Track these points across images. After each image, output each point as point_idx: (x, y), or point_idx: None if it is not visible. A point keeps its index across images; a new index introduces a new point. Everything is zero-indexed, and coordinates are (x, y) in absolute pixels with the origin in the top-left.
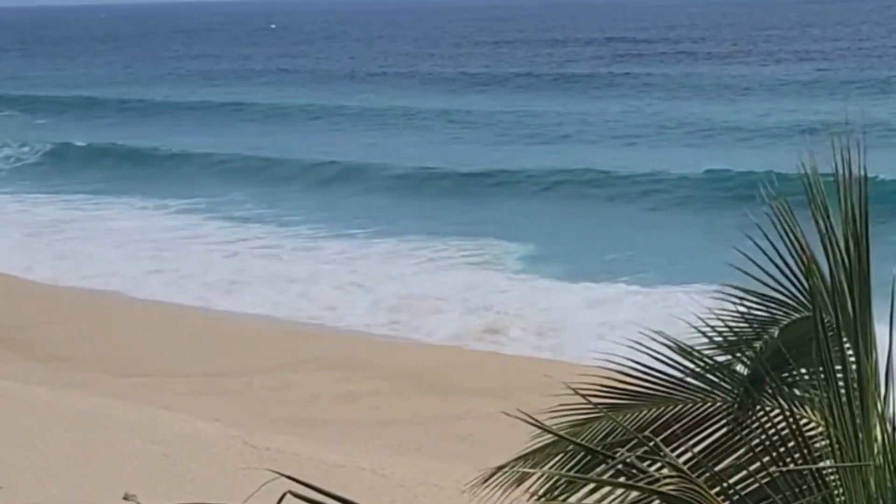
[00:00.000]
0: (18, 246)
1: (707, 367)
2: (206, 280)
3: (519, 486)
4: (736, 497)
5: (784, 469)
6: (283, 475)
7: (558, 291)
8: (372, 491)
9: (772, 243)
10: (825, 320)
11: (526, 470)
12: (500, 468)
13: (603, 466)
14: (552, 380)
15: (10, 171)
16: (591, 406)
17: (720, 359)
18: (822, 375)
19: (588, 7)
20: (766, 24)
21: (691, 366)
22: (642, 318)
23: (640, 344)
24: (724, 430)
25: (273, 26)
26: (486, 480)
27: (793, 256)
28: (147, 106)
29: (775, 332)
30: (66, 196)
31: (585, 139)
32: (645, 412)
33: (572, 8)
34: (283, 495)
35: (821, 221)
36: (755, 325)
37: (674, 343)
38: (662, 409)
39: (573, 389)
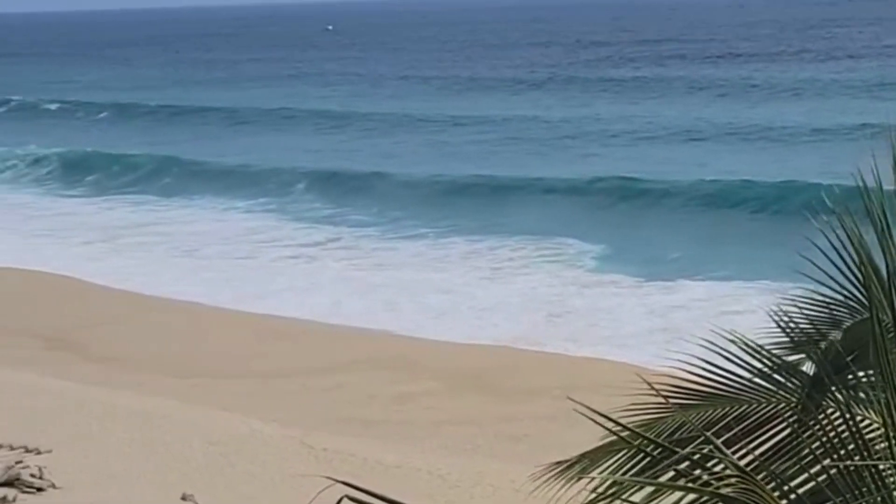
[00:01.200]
0: (91, 248)
1: (774, 367)
2: (275, 285)
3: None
4: (794, 498)
5: (843, 468)
6: (338, 481)
7: (624, 291)
8: (427, 492)
9: (834, 247)
10: (883, 321)
11: (584, 475)
12: (560, 463)
13: (664, 465)
14: (613, 380)
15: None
16: (653, 407)
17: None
18: (880, 376)
19: (637, 7)
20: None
21: (759, 365)
22: (708, 318)
23: (709, 342)
24: (786, 431)
25: (330, 28)
26: (545, 477)
27: (853, 259)
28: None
29: (838, 334)
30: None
31: (647, 139)
32: (710, 412)
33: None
34: (340, 500)
35: (878, 224)
36: (819, 327)
37: (741, 342)
38: (726, 409)
39: (649, 384)
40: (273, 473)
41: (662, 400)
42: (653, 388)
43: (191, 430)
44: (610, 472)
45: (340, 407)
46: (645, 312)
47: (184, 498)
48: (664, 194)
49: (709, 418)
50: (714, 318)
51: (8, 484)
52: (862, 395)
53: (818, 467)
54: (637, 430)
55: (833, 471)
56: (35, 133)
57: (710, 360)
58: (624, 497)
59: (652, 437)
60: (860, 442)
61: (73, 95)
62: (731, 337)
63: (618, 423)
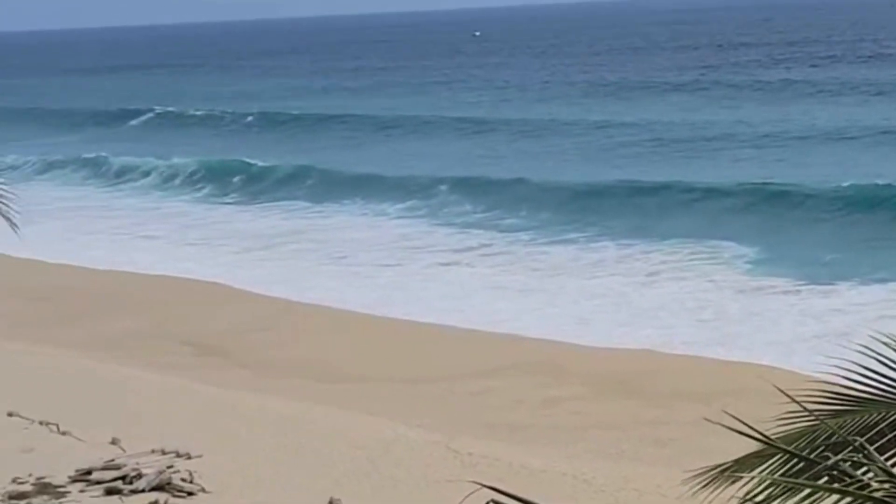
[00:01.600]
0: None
1: None
2: (424, 290)
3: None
4: None
5: None
6: (484, 486)
7: (780, 295)
8: (572, 496)
9: None
10: None
11: (737, 476)
12: (708, 469)
13: (816, 470)
14: (765, 385)
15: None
16: (807, 413)
17: None
18: None
19: (785, 7)
20: None
21: None
22: (866, 322)
23: (866, 347)
24: None
25: (477, 34)
26: (695, 482)
27: None
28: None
29: None
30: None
31: (797, 140)
32: (864, 418)
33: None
34: None
35: None
36: None
37: None
38: (882, 415)
39: (791, 397)
40: (418, 478)
41: (816, 406)
42: (795, 401)
43: (337, 434)
44: (760, 479)
45: (486, 411)
46: (801, 316)
47: (331, 502)
48: (815, 197)
49: (863, 424)
50: (872, 323)
51: (159, 488)
52: None
53: None
54: (790, 434)
55: None
56: (183, 142)
57: (866, 365)
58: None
59: (803, 442)
60: None
61: (220, 105)
62: (889, 341)
63: (766, 439)
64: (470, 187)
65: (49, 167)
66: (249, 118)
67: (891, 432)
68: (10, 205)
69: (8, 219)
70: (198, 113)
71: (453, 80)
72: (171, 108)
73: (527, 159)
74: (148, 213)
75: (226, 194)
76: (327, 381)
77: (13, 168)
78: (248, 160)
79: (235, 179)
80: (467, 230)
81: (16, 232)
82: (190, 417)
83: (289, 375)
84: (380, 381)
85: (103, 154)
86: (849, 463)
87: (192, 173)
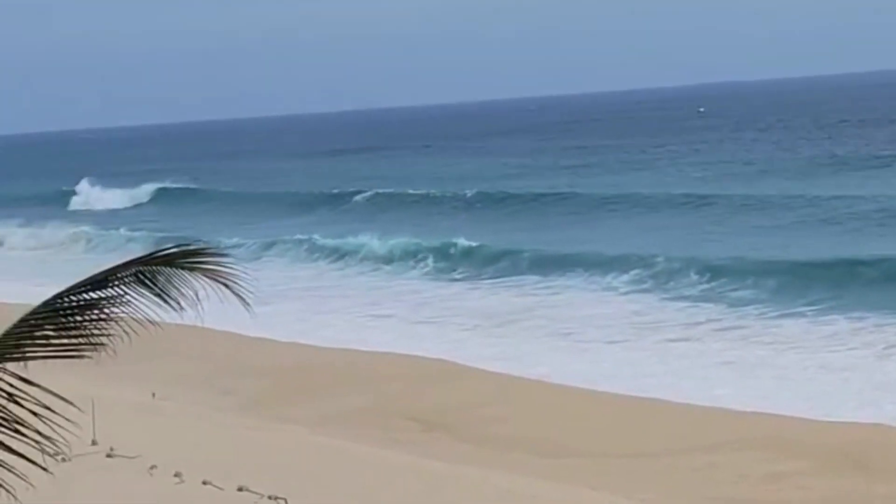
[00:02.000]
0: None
1: None
2: (652, 367)
3: None
4: None
5: None
6: None
7: None
8: None
9: None
10: None
11: None
12: None
13: None
14: None
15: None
16: None
17: None
18: None
19: None
20: None
21: None
22: None
23: None
24: None
25: (702, 110)
26: None
27: None
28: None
29: None
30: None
31: None
32: None
33: None
34: None
35: None
36: None
37: None
38: None
39: None
40: None
41: None
42: None
43: None
44: None
45: (709, 486)
46: None
47: None
48: None
49: None
50: None
51: None
52: None
53: None
54: None
55: None
56: (406, 221)
57: None
58: None
59: None
60: None
61: (440, 185)
62: None
63: None
64: (696, 261)
65: (272, 247)
66: (469, 195)
67: None
68: (242, 284)
69: (241, 298)
70: (416, 192)
71: (677, 155)
72: (389, 190)
73: (752, 233)
74: (379, 291)
75: (453, 270)
76: (549, 456)
77: (238, 246)
78: (468, 240)
79: (460, 257)
80: (696, 304)
81: (248, 311)
82: (416, 491)
83: (511, 450)
84: (600, 455)
85: (327, 234)
86: None
87: (416, 252)
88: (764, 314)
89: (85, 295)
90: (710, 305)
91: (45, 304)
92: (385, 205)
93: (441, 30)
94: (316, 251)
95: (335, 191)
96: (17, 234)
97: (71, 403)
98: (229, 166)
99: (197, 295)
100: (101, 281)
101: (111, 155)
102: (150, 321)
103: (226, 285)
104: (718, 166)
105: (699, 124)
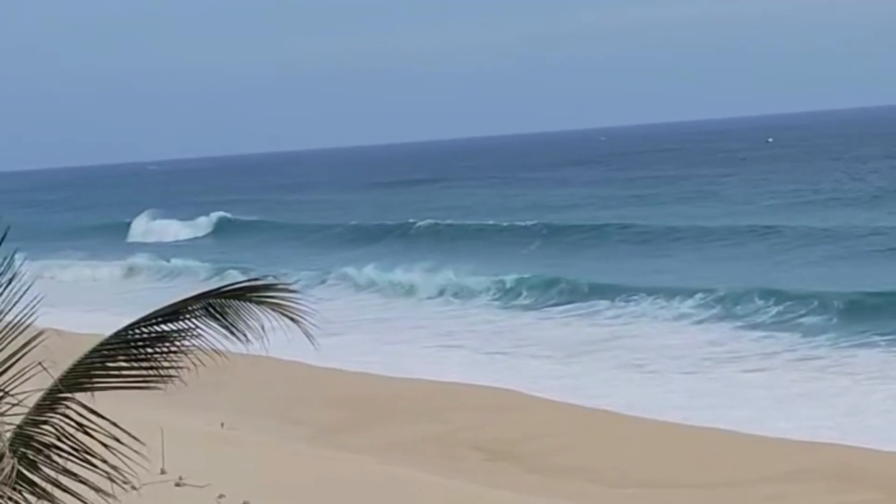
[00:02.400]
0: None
1: None
2: (722, 398)
3: None
4: None
5: None
6: None
7: None
8: None
9: None
10: None
11: None
12: None
13: None
14: None
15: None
16: None
17: None
18: None
19: None
20: None
21: None
22: None
23: None
24: None
25: (770, 140)
26: None
27: None
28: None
29: None
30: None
31: None
32: None
33: None
34: None
35: None
36: None
37: None
38: None
39: None
40: None
41: None
42: None
43: None
44: None
45: None
46: None
47: None
48: None
49: None
50: None
51: None
52: None
53: None
54: None
55: None
56: (475, 252)
57: None
58: None
59: None
60: None
61: (504, 216)
62: None
63: None
64: (768, 291)
65: (337, 277)
66: (536, 226)
67: None
68: (308, 319)
69: (306, 333)
70: (483, 223)
71: (745, 185)
72: (454, 221)
73: (820, 263)
74: (450, 322)
75: (524, 301)
76: (615, 486)
77: (300, 278)
78: (537, 271)
79: (530, 287)
80: (771, 334)
81: (313, 343)
82: None
83: (576, 479)
84: (667, 486)
85: (393, 264)
86: None
87: (487, 282)
88: (837, 344)
89: (156, 327)
90: (785, 335)
91: (117, 334)
92: (451, 235)
93: (510, 62)
94: (383, 282)
95: (401, 221)
96: (76, 265)
97: (136, 439)
98: (292, 198)
99: (263, 327)
100: (172, 313)
101: (175, 187)
102: (218, 352)
103: (292, 319)
104: (786, 196)
105: (767, 154)
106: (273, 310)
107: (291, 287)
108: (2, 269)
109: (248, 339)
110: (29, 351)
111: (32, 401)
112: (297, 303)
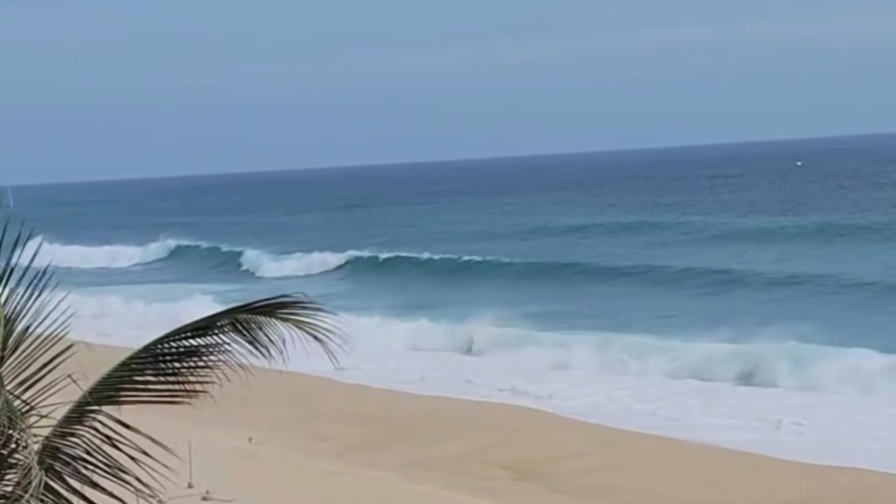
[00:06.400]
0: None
1: None
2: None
3: None
4: None
5: None
6: None
7: None
8: None
9: None
10: None
11: None
12: None
13: None
14: None
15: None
16: None
17: None
18: None
19: None
20: None
21: None
22: None
23: None
24: None
25: (799, 164)
26: None
27: None
28: None
29: None
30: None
31: None
32: None
33: None
34: None
35: None
36: None
37: None
38: None
39: None
40: None
41: None
42: None
43: None
44: None
45: None
46: None
47: None
48: None
49: None
50: None
51: None
52: None
53: None
54: None
55: None
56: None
57: None
58: None
59: None
60: None
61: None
62: None
63: None
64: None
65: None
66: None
67: None
68: (331, 336)
69: (329, 352)
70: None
71: (771, 206)
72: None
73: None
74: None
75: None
76: None
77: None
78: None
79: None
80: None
81: (335, 363)
82: None
83: (603, 499)
84: None
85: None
86: None
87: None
88: None
89: (185, 342)
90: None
91: (146, 349)
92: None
93: (522, 83)
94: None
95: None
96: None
97: (167, 449)
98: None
99: (284, 342)
100: (200, 329)
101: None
102: (246, 368)
103: (317, 338)
104: (812, 216)
105: (796, 177)
106: (298, 328)
107: (319, 306)
108: (34, 282)
109: (271, 355)
110: (60, 364)
111: (61, 413)
112: (322, 321)
